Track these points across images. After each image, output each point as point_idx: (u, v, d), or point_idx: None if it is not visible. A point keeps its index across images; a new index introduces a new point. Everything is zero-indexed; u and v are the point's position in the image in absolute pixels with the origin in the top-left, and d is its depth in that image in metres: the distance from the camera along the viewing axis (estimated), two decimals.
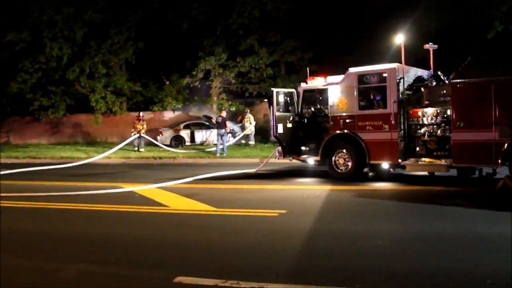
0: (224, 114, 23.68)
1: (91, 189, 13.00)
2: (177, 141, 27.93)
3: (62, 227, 8.95)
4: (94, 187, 13.44)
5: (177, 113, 32.22)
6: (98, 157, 21.99)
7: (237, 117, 27.33)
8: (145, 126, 25.47)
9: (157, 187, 13.27)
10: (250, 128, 25.85)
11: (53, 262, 6.82)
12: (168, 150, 24.92)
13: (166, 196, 11.87)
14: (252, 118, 26.36)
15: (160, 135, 27.95)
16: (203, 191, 12.66)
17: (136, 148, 25.10)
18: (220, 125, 22.69)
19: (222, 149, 22.47)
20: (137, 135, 25.01)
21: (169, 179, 14.61)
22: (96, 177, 16.38)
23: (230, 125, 24.68)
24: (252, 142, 25.90)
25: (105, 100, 29.75)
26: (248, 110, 27.13)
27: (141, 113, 26.25)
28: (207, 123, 28.81)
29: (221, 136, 22.59)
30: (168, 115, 32.36)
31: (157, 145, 26.11)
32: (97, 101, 29.51)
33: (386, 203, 10.51)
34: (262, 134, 28.31)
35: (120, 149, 23.83)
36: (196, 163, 21.07)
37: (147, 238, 7.96)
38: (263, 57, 28.39)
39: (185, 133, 28.39)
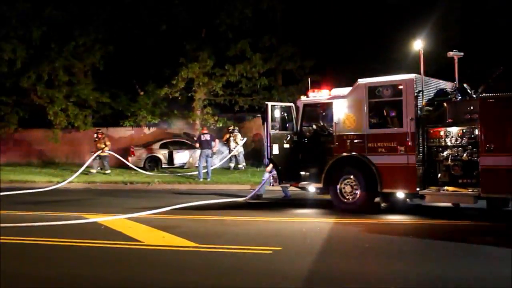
0: (206, 131, 23.61)
1: (48, 219, 12.89)
2: (152, 163, 27.84)
3: (14, 266, 8.83)
4: (52, 217, 13.34)
5: (152, 129, 32.19)
6: (59, 185, 21.87)
7: (222, 136, 27.32)
8: (107, 143, 25.26)
9: (127, 218, 13.17)
10: (237, 148, 25.84)
11: None
12: (142, 173, 24.84)
13: (138, 229, 11.78)
14: (239, 136, 26.40)
15: (132, 155, 27.84)
16: (182, 223, 12.58)
17: (95, 170, 24.89)
18: (207, 144, 22.61)
19: (206, 173, 22.43)
20: (95, 155, 24.84)
21: (142, 208, 14.52)
22: (54, 205, 16.28)
23: (218, 144, 24.75)
24: (241, 165, 25.87)
25: (66, 113, 29.59)
26: (236, 129, 27.14)
27: (100, 130, 26.17)
28: (188, 142, 28.77)
29: (206, 157, 22.56)
30: (144, 132, 32.35)
31: (128, 167, 25.99)
32: (56, 114, 29.37)
33: (401, 239, 10.48)
34: (254, 156, 28.31)
35: (82, 172, 23.76)
36: (174, 189, 20.98)
37: (114, 280, 7.88)
38: (257, 65, 28.52)
39: (161, 154, 28.33)
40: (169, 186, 21.81)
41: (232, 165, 26.28)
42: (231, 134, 26.59)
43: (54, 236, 10.97)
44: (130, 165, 26.16)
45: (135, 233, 11.31)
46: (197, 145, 23.10)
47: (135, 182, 22.45)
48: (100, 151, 24.99)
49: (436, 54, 18.82)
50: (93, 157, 24.84)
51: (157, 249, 9.85)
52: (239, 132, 27.26)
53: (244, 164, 26.21)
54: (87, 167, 24.65)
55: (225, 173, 24.41)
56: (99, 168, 25.64)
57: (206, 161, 22.60)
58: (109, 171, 25.19)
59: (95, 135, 25.84)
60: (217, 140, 23.80)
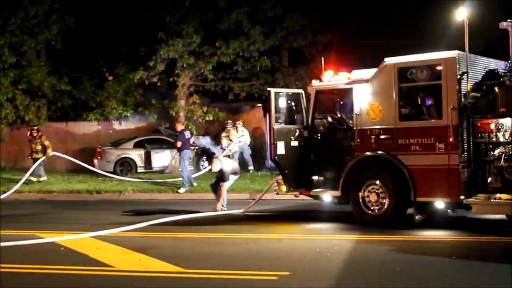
0: (181, 126, 23.09)
1: None
2: (125, 166, 27.82)
3: None
4: None
5: (126, 124, 32.16)
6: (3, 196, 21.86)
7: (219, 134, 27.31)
8: (46, 143, 24.94)
9: (93, 237, 13.20)
10: (231, 147, 25.77)
11: None
12: (111, 179, 24.79)
13: (107, 251, 11.82)
14: (233, 132, 26.33)
15: (98, 157, 27.83)
16: (163, 243, 12.63)
17: (36, 178, 24.66)
18: (189, 143, 22.45)
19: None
20: (41, 160, 24.57)
21: (112, 224, 14.56)
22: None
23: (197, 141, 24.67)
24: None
25: (14, 104, 29.58)
26: (230, 122, 27.00)
27: (35, 127, 25.94)
28: (170, 140, 28.70)
29: (189, 159, 22.47)
30: (114, 127, 32.33)
31: (92, 171, 25.97)
32: (1, 105, 29.37)
33: (441, 261, 10.49)
34: (254, 156, 28.33)
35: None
36: (153, 199, 21.10)
37: None
38: (256, 41, 28.52)
39: (136, 154, 28.30)
40: (147, 195, 21.78)
41: None
42: (224, 130, 26.55)
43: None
44: (87, 166, 25.82)
45: (104, 255, 11.32)
46: (179, 144, 22.51)
47: (103, 191, 22.43)
48: (43, 155, 24.61)
49: (485, 25, 18.84)
50: (38, 162, 24.51)
51: (132, 276, 9.86)
52: (242, 125, 26.99)
53: (252, 167, 26.17)
54: (31, 175, 24.49)
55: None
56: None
57: (183, 163, 22.19)
58: (44, 178, 24.89)
59: (29, 133, 25.44)
60: (193, 137, 23.63)
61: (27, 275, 10.11)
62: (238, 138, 26.26)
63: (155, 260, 10.78)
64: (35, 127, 25.78)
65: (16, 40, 29.21)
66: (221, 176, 16.60)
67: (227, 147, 25.90)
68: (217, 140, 27.35)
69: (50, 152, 24.80)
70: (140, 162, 28.19)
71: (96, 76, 31.96)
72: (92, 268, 10.34)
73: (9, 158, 32.37)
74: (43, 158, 24.58)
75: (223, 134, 26.47)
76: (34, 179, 24.58)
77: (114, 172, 27.08)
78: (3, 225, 15.13)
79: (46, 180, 24.84)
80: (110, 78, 31.41)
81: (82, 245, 12.40)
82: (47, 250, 12.14)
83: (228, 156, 25.88)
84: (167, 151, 28.36)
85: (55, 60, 31.58)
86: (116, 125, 32.40)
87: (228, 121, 27.22)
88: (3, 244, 12.40)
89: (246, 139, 26.76)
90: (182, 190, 21.90)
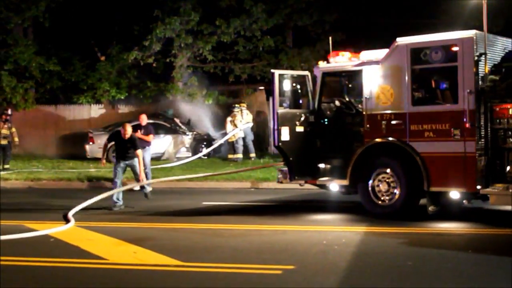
0: (145, 119, 21.36)
1: None
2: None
3: None
4: None
5: (123, 107, 32.11)
6: None
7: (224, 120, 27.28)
8: (13, 130, 24.99)
9: (85, 227, 13.21)
10: (235, 131, 25.71)
11: None
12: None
13: (100, 242, 11.82)
14: (239, 117, 26.31)
15: (90, 143, 27.82)
16: (159, 234, 12.64)
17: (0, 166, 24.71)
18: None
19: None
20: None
21: (105, 214, 14.64)
22: None
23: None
24: (239, 156, 25.82)
25: None
26: (236, 106, 26.90)
27: (9, 109, 25.94)
28: (167, 125, 28.65)
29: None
30: (106, 111, 32.31)
31: (83, 158, 25.97)
32: None
33: (455, 255, 10.48)
34: (256, 142, 28.32)
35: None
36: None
37: None
38: (259, 19, 28.46)
39: None
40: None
41: (233, 156, 26.06)
42: (230, 114, 26.47)
43: None
44: None
45: (97, 247, 11.32)
46: (152, 137, 21.19)
47: (95, 179, 22.43)
48: (6, 141, 24.60)
49: (505, 3, 18.78)
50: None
51: (126, 269, 9.87)
52: (246, 108, 26.83)
53: (254, 155, 26.11)
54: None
55: (217, 166, 24.39)
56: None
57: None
58: (8, 166, 24.82)
59: (7, 116, 25.42)
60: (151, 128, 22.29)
61: (14, 268, 10.09)
62: (243, 124, 26.16)
63: (151, 252, 10.79)
64: (9, 110, 25.73)
65: (1, 17, 29.14)
66: (134, 144, 16.53)
67: (231, 131, 25.87)
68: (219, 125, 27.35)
69: (17, 140, 24.89)
70: None
71: (87, 56, 31.89)
72: (84, 261, 10.34)
73: None
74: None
75: (229, 118, 26.43)
76: (7, 166, 24.63)
77: (106, 159, 27.09)
78: None
79: (8, 169, 24.79)
80: (102, 58, 31.39)
81: (73, 236, 12.41)
82: (36, 241, 12.12)
83: (232, 142, 26.00)
84: (164, 137, 28.30)
85: (43, 39, 31.50)
86: (109, 109, 32.32)
87: (235, 105, 27.12)
88: None
89: (249, 123, 26.65)
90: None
